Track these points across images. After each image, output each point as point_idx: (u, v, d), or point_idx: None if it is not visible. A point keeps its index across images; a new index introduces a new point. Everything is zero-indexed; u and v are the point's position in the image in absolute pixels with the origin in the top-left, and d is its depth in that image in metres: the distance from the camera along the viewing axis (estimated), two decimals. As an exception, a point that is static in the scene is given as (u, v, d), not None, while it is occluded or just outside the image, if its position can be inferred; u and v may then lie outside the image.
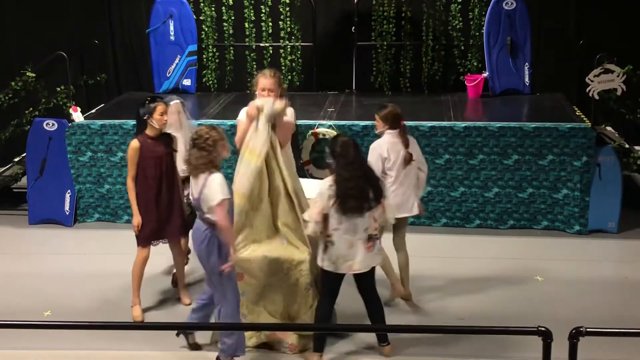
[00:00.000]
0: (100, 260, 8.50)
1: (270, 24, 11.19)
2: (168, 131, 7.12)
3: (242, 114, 6.71)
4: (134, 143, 6.92)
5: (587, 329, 4.54)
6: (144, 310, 7.20)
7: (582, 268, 8.22)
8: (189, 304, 7.20)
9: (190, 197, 6.17)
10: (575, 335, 4.54)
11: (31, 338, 6.48)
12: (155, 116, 6.85)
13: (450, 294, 7.60)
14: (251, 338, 6.51)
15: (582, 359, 4.65)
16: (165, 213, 7.04)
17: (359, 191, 5.99)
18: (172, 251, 7.29)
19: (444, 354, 6.44)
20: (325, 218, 6.03)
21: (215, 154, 5.96)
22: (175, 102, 7.47)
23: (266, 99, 6.47)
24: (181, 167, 7.03)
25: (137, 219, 6.95)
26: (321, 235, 6.09)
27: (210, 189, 5.89)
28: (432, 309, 7.29)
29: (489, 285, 7.80)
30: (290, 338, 6.49)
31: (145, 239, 7.04)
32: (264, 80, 6.63)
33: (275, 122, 6.42)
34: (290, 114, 6.72)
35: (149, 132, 6.92)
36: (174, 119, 7.37)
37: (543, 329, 4.56)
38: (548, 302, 7.42)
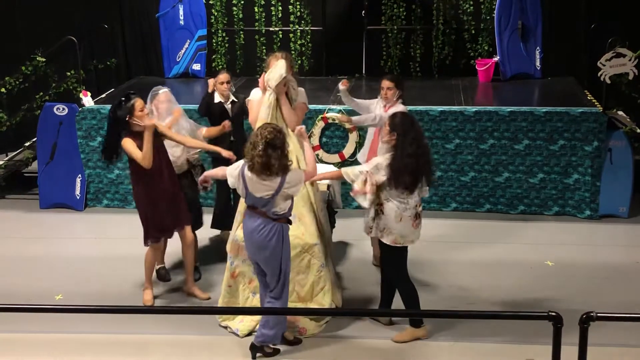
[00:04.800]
0: (111, 244, 8.53)
1: (280, 8, 11.17)
2: (160, 121, 7.06)
3: (253, 94, 6.79)
4: (127, 139, 6.64)
5: (598, 314, 4.54)
6: (155, 296, 7.23)
7: (592, 253, 8.20)
8: (208, 298, 7.18)
9: (251, 196, 5.92)
10: (586, 320, 4.54)
11: (42, 321, 6.51)
12: (136, 114, 6.63)
13: (460, 279, 7.60)
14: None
15: (593, 343, 4.64)
16: (172, 203, 6.93)
17: (416, 168, 6.06)
18: (182, 241, 7.19)
19: (454, 339, 6.44)
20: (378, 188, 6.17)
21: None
22: (164, 90, 7.42)
23: (274, 68, 6.49)
24: (175, 155, 7.14)
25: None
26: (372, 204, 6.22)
27: (293, 184, 5.83)
28: (442, 294, 7.29)
29: (499, 270, 7.79)
30: (301, 322, 6.51)
31: (154, 237, 7.00)
32: (276, 62, 6.68)
33: (279, 97, 6.51)
34: (302, 94, 6.74)
35: (134, 129, 6.68)
36: (165, 108, 7.34)
37: (553, 314, 4.56)
38: (558, 287, 7.41)
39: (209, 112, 8.10)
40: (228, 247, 6.67)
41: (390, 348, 6.35)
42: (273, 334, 6.14)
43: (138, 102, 6.64)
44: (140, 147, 6.62)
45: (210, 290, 7.31)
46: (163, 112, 7.32)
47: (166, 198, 6.90)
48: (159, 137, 6.84)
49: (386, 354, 6.27)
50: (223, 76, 8.02)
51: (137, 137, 6.66)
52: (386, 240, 6.26)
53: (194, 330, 6.60)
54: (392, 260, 6.38)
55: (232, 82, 8.08)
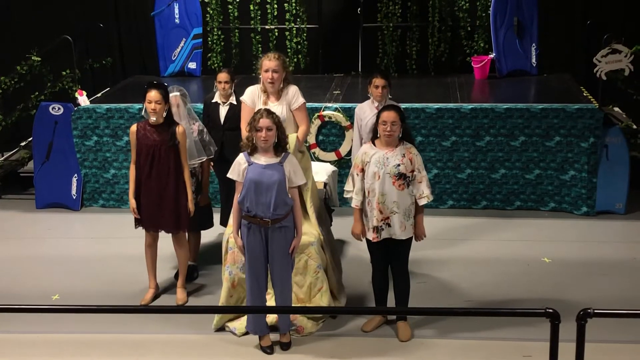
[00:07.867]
0: (108, 244, 8.52)
1: (276, 5, 11.16)
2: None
3: (247, 94, 6.71)
4: (132, 127, 6.84)
5: (595, 311, 4.52)
6: (160, 293, 7.22)
7: (589, 249, 8.21)
8: (182, 304, 7.06)
9: None
10: (583, 317, 4.53)
11: (39, 322, 6.50)
12: (145, 103, 6.68)
13: (456, 276, 7.60)
14: None
15: (590, 340, 4.64)
16: (155, 203, 6.83)
17: None
18: (173, 244, 7.13)
19: (451, 336, 6.43)
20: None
21: None
22: (174, 94, 6.99)
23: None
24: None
25: (130, 203, 6.87)
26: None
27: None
28: (439, 291, 7.29)
29: (495, 267, 7.79)
30: (298, 320, 6.50)
31: (139, 221, 6.95)
32: (268, 62, 6.57)
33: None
34: (297, 92, 6.69)
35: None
36: (172, 112, 6.95)
37: (551, 310, 4.55)
38: (555, 284, 7.41)
39: (205, 112, 7.98)
40: (223, 257, 6.63)
41: (387, 345, 6.34)
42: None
43: (149, 93, 6.68)
44: (143, 136, 6.77)
45: (213, 291, 7.26)
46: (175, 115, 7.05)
47: (149, 195, 6.82)
48: (170, 138, 6.75)
49: (383, 351, 6.26)
50: (221, 75, 7.75)
51: (147, 125, 6.78)
52: None
53: (191, 329, 6.58)
54: None
55: (232, 82, 7.76)
